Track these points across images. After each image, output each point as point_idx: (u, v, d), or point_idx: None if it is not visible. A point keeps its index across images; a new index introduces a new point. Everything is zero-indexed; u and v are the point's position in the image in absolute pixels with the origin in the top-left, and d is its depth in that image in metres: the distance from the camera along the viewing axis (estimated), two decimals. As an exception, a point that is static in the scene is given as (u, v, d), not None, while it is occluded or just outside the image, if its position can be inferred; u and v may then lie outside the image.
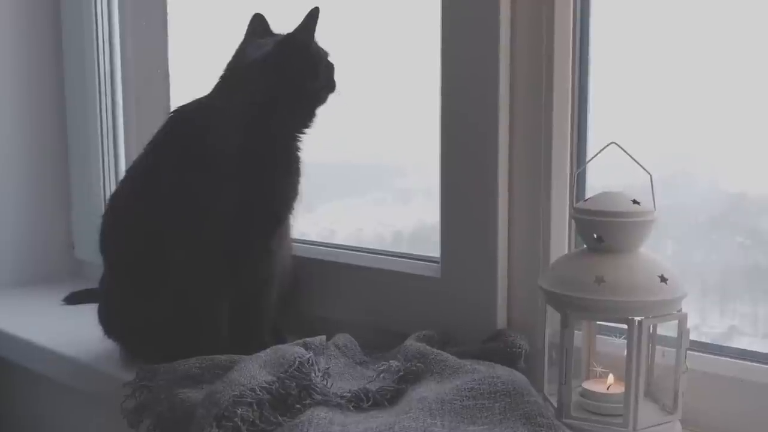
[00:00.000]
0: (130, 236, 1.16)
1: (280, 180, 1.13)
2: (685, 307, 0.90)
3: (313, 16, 1.12)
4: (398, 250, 1.28)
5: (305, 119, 1.15)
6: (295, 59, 1.12)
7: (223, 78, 1.16)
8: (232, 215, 1.10)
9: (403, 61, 1.26)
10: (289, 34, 1.14)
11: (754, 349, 0.97)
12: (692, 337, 0.92)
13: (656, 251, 0.92)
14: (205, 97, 1.16)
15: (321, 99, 1.16)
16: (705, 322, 1.04)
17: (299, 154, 1.15)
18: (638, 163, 0.90)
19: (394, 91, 1.28)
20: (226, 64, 1.17)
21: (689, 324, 0.89)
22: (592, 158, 0.95)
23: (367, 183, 1.47)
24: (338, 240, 1.42)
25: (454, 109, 1.12)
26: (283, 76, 1.12)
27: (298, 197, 1.17)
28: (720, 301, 1.05)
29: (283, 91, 1.12)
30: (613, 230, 0.89)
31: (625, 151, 0.91)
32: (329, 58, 1.17)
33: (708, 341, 1.00)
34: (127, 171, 1.24)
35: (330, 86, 1.17)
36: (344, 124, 1.14)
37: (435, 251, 1.17)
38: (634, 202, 0.89)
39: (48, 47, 1.73)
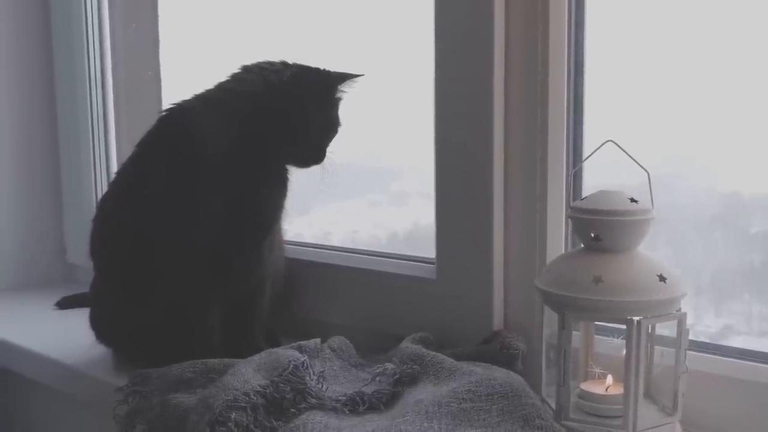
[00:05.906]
0: (120, 240, 1.14)
1: (266, 192, 1.11)
2: (681, 306, 0.88)
3: (307, 83, 1.08)
4: (393, 252, 1.27)
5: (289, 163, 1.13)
6: (271, 113, 1.08)
7: (227, 80, 1.11)
8: (218, 222, 1.08)
9: (399, 63, 1.25)
10: (276, 87, 1.08)
11: (753, 349, 0.96)
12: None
13: (650, 250, 0.91)
14: (202, 94, 1.12)
15: (299, 162, 1.12)
16: (700, 321, 1.03)
17: (288, 168, 1.13)
18: (635, 160, 0.89)
19: (391, 92, 1.27)
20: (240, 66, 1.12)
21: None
22: (588, 157, 0.94)
23: (363, 185, 1.46)
24: (334, 242, 1.41)
25: (449, 109, 1.11)
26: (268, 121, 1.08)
27: (285, 210, 1.15)
28: (715, 300, 1.05)
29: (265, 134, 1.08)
30: (610, 229, 0.87)
31: (621, 149, 0.89)
32: (333, 127, 1.12)
33: (705, 340, 1.00)
34: (117, 173, 1.23)
35: (313, 155, 1.11)
36: (341, 125, 1.13)
37: (430, 253, 1.16)
38: (632, 200, 0.88)
39: (38, 51, 1.72)
